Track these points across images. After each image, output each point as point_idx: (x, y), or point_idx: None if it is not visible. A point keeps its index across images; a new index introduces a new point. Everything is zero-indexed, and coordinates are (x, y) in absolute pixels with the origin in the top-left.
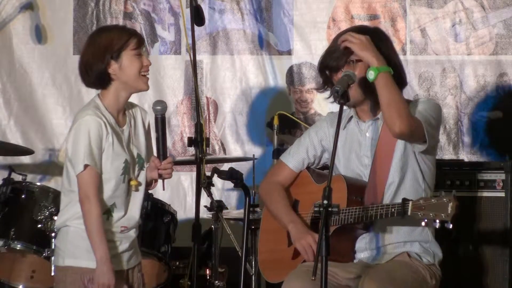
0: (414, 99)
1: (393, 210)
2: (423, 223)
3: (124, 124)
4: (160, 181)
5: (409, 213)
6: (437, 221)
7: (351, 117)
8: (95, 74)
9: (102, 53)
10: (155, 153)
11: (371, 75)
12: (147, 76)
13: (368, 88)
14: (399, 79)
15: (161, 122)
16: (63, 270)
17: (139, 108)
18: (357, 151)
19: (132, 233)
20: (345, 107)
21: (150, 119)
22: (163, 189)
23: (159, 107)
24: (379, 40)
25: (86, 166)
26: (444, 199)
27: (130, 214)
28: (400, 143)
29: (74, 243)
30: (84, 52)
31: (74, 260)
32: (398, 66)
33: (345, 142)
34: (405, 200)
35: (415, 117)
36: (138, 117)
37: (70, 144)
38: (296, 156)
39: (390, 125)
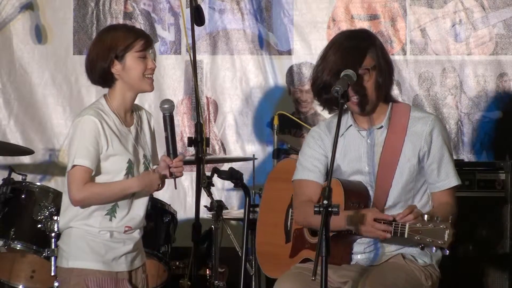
0: (417, 111)
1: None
2: (419, 247)
3: (132, 124)
4: (171, 180)
5: (405, 235)
6: (434, 247)
7: (350, 125)
8: (98, 72)
9: (107, 52)
10: (164, 152)
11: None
12: (151, 77)
13: (361, 89)
14: (390, 80)
15: (170, 121)
16: (67, 272)
17: (144, 110)
18: (357, 158)
19: (136, 234)
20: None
21: (155, 121)
22: (175, 188)
23: (166, 106)
24: (378, 47)
25: (73, 166)
26: (441, 226)
27: (135, 214)
28: (405, 151)
29: (78, 244)
30: (90, 49)
31: (78, 262)
32: (391, 67)
33: (343, 149)
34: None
35: (454, 208)
36: (144, 118)
37: (68, 145)
38: (311, 168)
39: None
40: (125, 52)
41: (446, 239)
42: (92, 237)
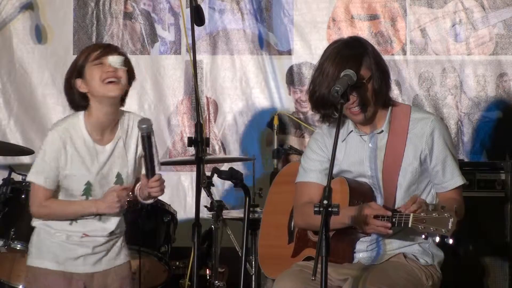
0: (418, 113)
1: (393, 220)
2: (423, 236)
3: (109, 142)
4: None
5: (409, 225)
6: (437, 235)
7: (351, 131)
8: (72, 99)
9: (70, 75)
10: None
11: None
12: (113, 81)
13: (360, 100)
14: (387, 86)
15: (147, 140)
16: (29, 270)
17: (138, 120)
18: (359, 162)
19: (99, 239)
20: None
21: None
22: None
23: (144, 126)
24: (371, 54)
25: (29, 182)
26: (446, 214)
27: (101, 226)
28: (407, 154)
29: (37, 244)
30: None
31: (35, 260)
32: (386, 73)
33: (345, 154)
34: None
35: (460, 203)
36: (134, 131)
37: None
38: (314, 169)
39: None
40: (83, 66)
41: (450, 227)
42: (49, 236)
